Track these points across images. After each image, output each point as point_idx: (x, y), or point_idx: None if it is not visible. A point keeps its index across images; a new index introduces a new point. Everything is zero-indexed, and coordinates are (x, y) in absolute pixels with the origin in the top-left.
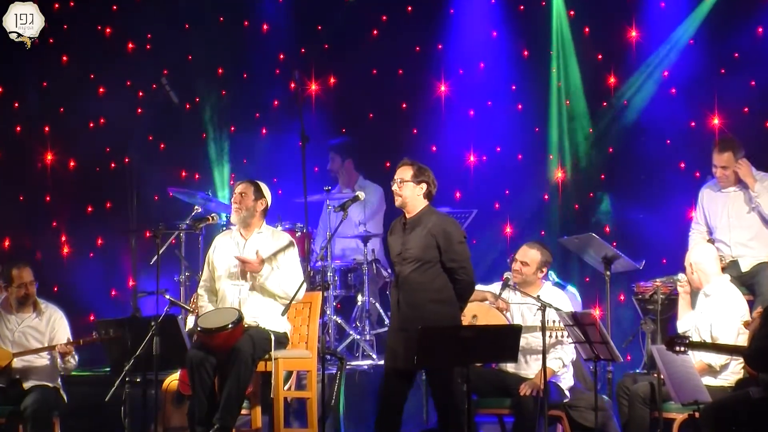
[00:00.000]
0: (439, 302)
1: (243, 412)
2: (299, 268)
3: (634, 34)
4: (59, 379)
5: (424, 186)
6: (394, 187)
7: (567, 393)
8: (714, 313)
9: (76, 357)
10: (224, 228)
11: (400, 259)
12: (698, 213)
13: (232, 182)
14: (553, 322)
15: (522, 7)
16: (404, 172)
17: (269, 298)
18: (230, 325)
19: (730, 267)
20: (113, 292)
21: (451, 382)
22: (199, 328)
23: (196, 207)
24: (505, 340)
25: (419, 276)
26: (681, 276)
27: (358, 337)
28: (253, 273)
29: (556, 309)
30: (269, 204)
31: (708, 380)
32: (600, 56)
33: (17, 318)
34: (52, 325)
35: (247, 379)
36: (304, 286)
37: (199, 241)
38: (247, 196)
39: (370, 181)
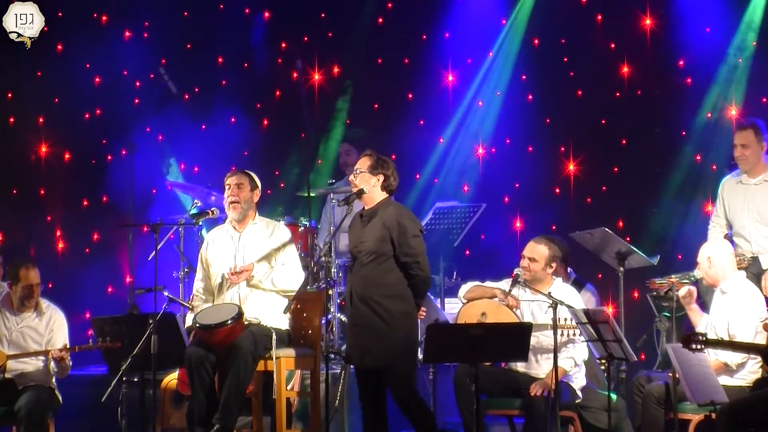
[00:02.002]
0: (392, 297)
1: (244, 413)
2: (299, 263)
3: (648, 22)
4: (54, 379)
5: (381, 178)
6: (351, 177)
7: (579, 393)
8: (731, 311)
9: (70, 363)
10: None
11: (356, 252)
12: (718, 206)
13: None
14: (565, 319)
15: None
16: (363, 163)
17: (271, 294)
18: (230, 321)
19: (751, 264)
20: (110, 289)
21: (410, 382)
22: (197, 325)
23: (195, 201)
24: (515, 338)
25: (373, 270)
26: (697, 272)
27: None
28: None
29: (568, 306)
30: (261, 191)
31: (725, 380)
32: (613, 45)
33: (17, 317)
34: (51, 327)
35: (247, 378)
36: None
37: (199, 236)
38: (245, 187)
39: None
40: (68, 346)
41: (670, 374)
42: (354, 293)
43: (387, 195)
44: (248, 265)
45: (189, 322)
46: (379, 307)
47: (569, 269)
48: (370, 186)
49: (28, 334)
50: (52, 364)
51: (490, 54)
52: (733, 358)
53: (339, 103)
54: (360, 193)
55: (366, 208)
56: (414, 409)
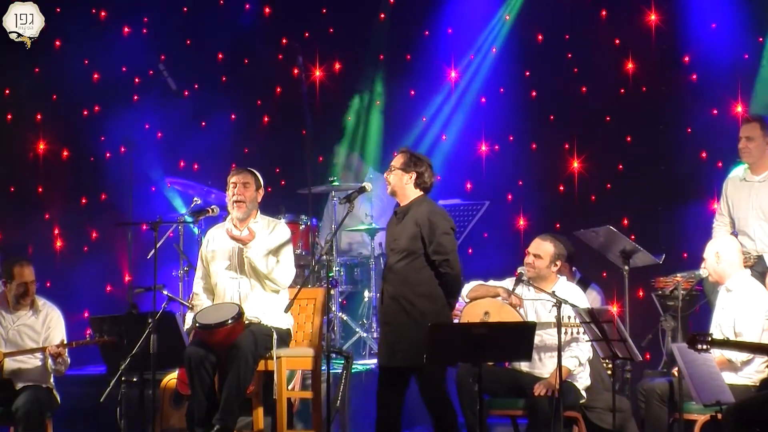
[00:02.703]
0: (422, 296)
1: (244, 413)
2: (293, 261)
3: (653, 17)
4: (52, 379)
5: (414, 175)
6: (386, 174)
7: (583, 393)
8: (737, 309)
9: (68, 360)
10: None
11: (389, 250)
12: (722, 203)
13: None
14: (569, 318)
15: None
16: (396, 160)
17: (271, 294)
18: (230, 321)
19: (756, 263)
20: (108, 288)
21: (438, 382)
22: (197, 324)
23: (195, 198)
24: (518, 337)
25: (404, 268)
26: (703, 271)
27: (365, 334)
28: (243, 245)
29: (572, 305)
30: (264, 191)
31: (731, 379)
32: (618, 41)
33: (13, 316)
34: (48, 325)
35: (247, 378)
36: (293, 271)
37: (199, 235)
38: (250, 186)
39: (380, 173)
40: (66, 343)
41: (674, 373)
42: (386, 291)
43: (421, 192)
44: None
45: (189, 321)
46: (410, 306)
47: (574, 269)
48: (402, 183)
49: (25, 333)
50: (50, 361)
51: (494, 50)
52: (738, 355)
53: (376, 86)
54: (362, 190)
55: (400, 205)
56: (440, 407)
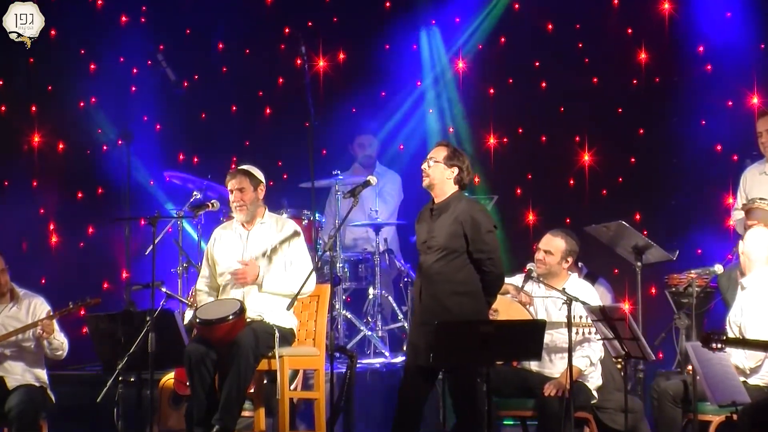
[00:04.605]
0: (463, 295)
1: (246, 414)
2: (308, 259)
3: (666, 6)
4: (47, 378)
5: (455, 170)
6: (424, 166)
7: (595, 393)
8: (751, 307)
9: (63, 336)
10: (223, 219)
11: (425, 248)
12: (739, 198)
13: (233, 166)
14: (580, 317)
15: None
16: (438, 152)
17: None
18: (231, 317)
19: None
20: (105, 285)
21: (472, 383)
22: (197, 320)
23: (195, 193)
24: (528, 336)
25: (443, 266)
26: (717, 267)
27: (370, 333)
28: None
29: (583, 303)
30: (265, 184)
31: (742, 378)
32: (630, 30)
33: None
34: (33, 313)
35: (248, 376)
36: (314, 276)
37: (198, 230)
38: (246, 190)
39: (386, 168)
40: (51, 314)
41: (689, 371)
42: (424, 290)
43: (458, 189)
44: (255, 268)
45: (188, 319)
46: (451, 305)
47: (580, 264)
48: (443, 178)
49: (10, 324)
50: (46, 344)
51: (503, 40)
52: (745, 362)
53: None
54: (366, 184)
55: (436, 201)
56: (468, 409)
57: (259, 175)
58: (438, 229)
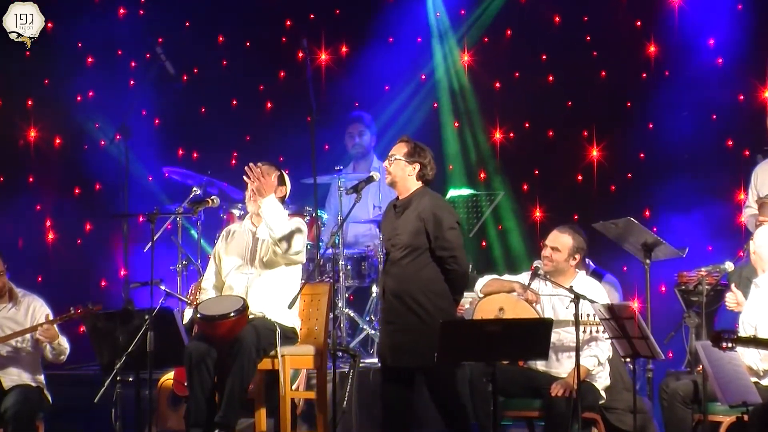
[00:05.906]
0: (429, 293)
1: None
2: (301, 231)
3: None
4: (43, 378)
5: (417, 166)
6: (385, 164)
7: (603, 393)
8: (765, 306)
9: (65, 340)
10: (223, 216)
11: (390, 245)
12: (751, 194)
13: (233, 161)
14: (588, 315)
15: None
16: (398, 149)
17: (277, 288)
18: (233, 314)
19: None
20: (103, 283)
21: (450, 381)
22: (199, 315)
23: (194, 189)
24: (534, 335)
25: (408, 264)
26: (728, 264)
27: (373, 332)
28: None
29: (591, 301)
30: (287, 193)
31: (756, 380)
32: (639, 23)
33: None
34: (32, 314)
35: (250, 373)
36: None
37: (198, 227)
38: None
39: None
40: (51, 318)
41: (699, 371)
42: (387, 289)
43: (422, 184)
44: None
45: (188, 318)
46: (415, 304)
47: (587, 260)
48: (405, 174)
49: (8, 326)
50: (48, 347)
51: (508, 33)
52: (760, 363)
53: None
54: (369, 180)
55: (400, 198)
56: (452, 409)
57: (287, 180)
58: (402, 227)
